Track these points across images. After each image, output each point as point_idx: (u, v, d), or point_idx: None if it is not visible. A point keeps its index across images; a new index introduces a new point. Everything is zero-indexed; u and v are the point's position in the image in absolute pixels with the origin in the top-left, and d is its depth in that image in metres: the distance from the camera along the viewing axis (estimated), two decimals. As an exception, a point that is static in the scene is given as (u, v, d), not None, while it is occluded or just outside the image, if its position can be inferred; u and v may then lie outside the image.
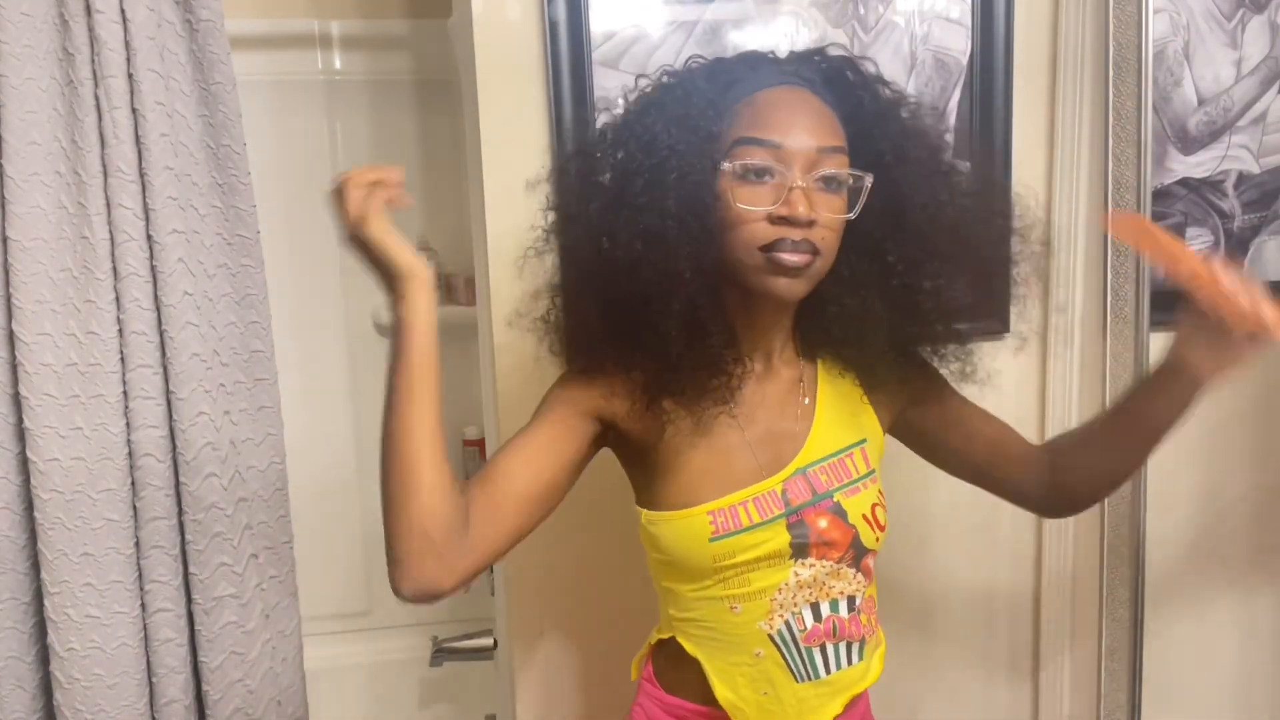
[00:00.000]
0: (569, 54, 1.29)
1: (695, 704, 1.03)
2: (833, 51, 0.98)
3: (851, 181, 0.92)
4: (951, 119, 1.40)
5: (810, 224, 0.88)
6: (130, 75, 1.28)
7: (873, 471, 1.02)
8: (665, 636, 1.05)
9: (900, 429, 1.11)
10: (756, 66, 0.95)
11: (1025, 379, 1.49)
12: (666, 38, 1.32)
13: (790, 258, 0.88)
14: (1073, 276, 1.46)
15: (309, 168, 2.15)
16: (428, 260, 0.89)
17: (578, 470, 0.98)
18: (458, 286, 2.18)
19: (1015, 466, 1.09)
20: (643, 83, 0.98)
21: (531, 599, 1.42)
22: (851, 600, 1.00)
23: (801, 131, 0.89)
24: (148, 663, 1.38)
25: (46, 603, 1.34)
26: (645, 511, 1.00)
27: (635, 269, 0.89)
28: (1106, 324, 1.47)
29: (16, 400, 1.32)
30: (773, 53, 0.98)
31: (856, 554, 0.99)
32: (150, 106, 1.29)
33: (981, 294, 1.04)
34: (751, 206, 0.89)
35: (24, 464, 1.34)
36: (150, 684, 1.39)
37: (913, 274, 0.96)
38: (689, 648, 1.01)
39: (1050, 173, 1.45)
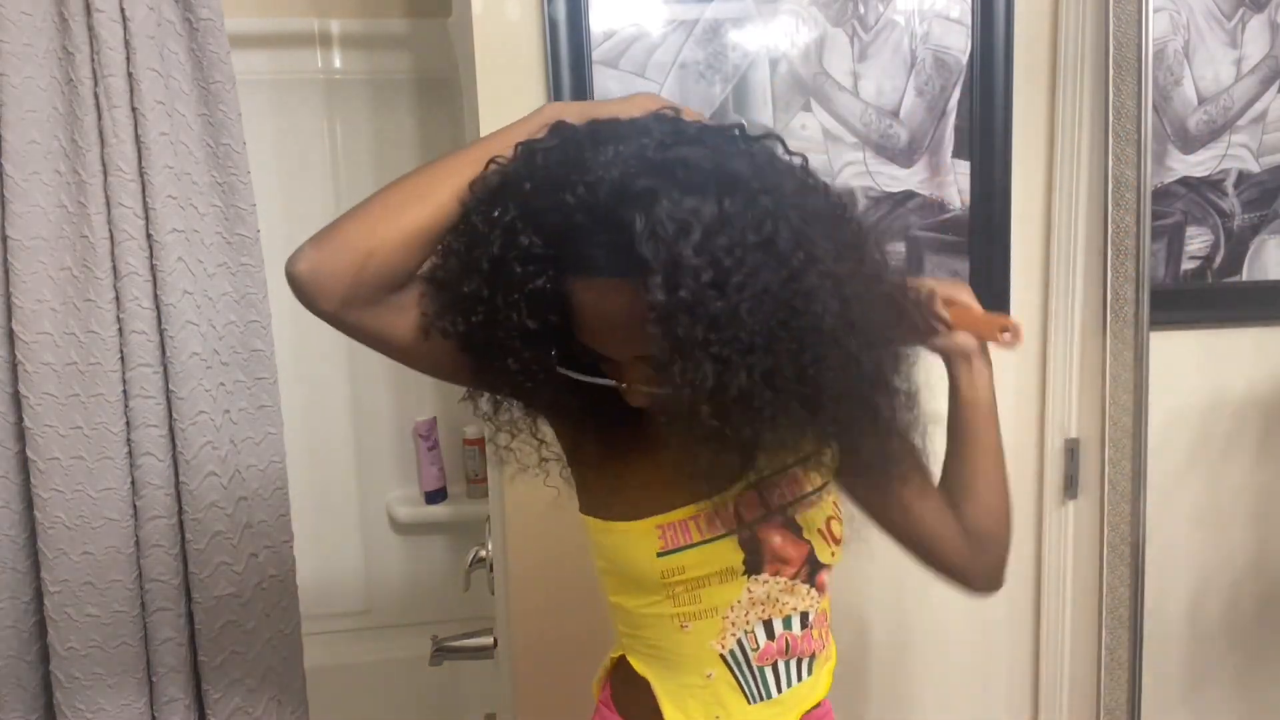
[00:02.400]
0: (569, 53, 1.29)
1: None
2: (638, 184, 0.74)
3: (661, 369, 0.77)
4: (951, 118, 1.40)
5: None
6: (130, 74, 1.28)
7: (825, 485, 0.96)
8: (616, 655, 1.01)
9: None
10: (568, 226, 0.76)
11: (1025, 379, 1.49)
12: (666, 36, 1.32)
13: (658, 414, 0.80)
14: (1072, 276, 1.46)
15: (309, 167, 2.15)
16: None
17: (474, 380, 0.92)
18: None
19: (943, 536, 1.00)
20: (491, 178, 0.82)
21: (531, 598, 1.42)
22: (805, 616, 0.96)
23: (612, 345, 0.80)
24: (148, 662, 1.38)
25: (47, 602, 1.34)
26: (590, 519, 0.95)
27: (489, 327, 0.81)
28: (1106, 324, 1.47)
29: (16, 399, 1.32)
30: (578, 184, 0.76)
31: (811, 569, 0.95)
32: (150, 105, 1.29)
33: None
34: (592, 380, 0.83)
35: (24, 463, 1.34)
36: (150, 683, 1.39)
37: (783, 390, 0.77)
38: (638, 667, 0.97)
39: (1050, 172, 1.45)
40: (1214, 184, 1.46)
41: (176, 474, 1.37)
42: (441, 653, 1.76)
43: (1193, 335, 1.50)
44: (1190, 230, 1.47)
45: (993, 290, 1.41)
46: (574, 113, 0.83)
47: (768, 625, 0.94)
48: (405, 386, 2.28)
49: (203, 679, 1.42)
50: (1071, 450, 1.51)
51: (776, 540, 0.93)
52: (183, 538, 1.38)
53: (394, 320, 0.83)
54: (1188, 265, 1.48)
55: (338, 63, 2.14)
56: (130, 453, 1.34)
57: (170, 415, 1.35)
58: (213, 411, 1.37)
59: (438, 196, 0.80)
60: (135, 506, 1.35)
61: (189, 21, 1.33)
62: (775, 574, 0.93)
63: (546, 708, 1.45)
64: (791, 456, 0.88)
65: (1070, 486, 1.51)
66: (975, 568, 1.02)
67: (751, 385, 0.75)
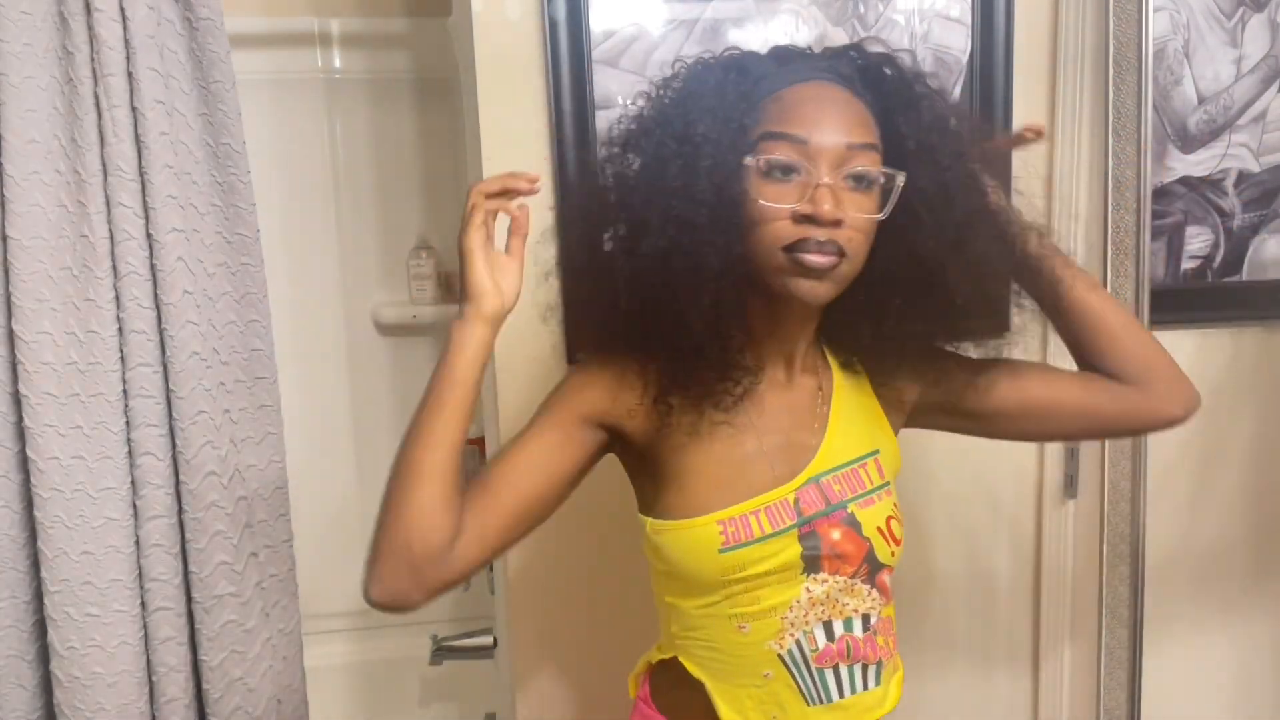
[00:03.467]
0: (569, 52, 1.29)
1: None
2: (870, 47, 0.93)
3: (883, 180, 0.87)
4: (951, 117, 1.40)
5: (837, 223, 0.84)
6: (130, 73, 1.28)
7: (887, 484, 0.98)
8: (666, 657, 1.00)
9: (929, 416, 1.06)
10: (787, 61, 0.91)
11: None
12: (666, 36, 1.32)
13: (814, 258, 0.84)
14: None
15: (309, 166, 2.15)
16: (489, 295, 0.90)
17: (576, 481, 0.95)
18: (457, 286, 2.18)
19: (1075, 394, 1.03)
20: (676, 68, 0.94)
21: (531, 598, 1.42)
22: (866, 619, 0.95)
23: (829, 127, 0.85)
24: (148, 661, 1.38)
25: (46, 601, 1.34)
26: (650, 520, 0.95)
27: (666, 255, 0.86)
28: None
29: (16, 398, 1.32)
30: (809, 48, 0.94)
31: (871, 569, 0.95)
32: (150, 105, 1.29)
33: (1003, 296, 1.02)
34: (775, 204, 0.85)
35: (24, 462, 1.34)
36: (150, 682, 1.39)
37: (943, 276, 0.90)
38: (692, 669, 0.96)
39: (1050, 171, 1.45)
40: (1214, 183, 1.46)
41: (176, 473, 1.37)
42: (441, 652, 1.76)
43: (1193, 334, 1.50)
44: (1190, 230, 1.47)
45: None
46: (464, 294, 0.92)
47: (827, 626, 0.93)
48: (405, 386, 2.28)
49: (202, 678, 1.42)
50: (1072, 450, 1.51)
51: (835, 536, 0.93)
52: (183, 537, 1.38)
53: (475, 554, 0.88)
54: (1188, 265, 1.48)
55: (338, 62, 2.15)
56: (130, 452, 1.34)
57: (170, 414, 1.35)
58: (212, 411, 1.37)
59: (429, 467, 0.86)
60: (135, 506, 1.35)
61: (189, 21, 1.33)
62: (834, 572, 0.93)
63: (546, 708, 1.45)
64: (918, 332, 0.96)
65: (1070, 486, 1.51)
66: (1157, 401, 1.01)
67: (929, 234, 0.89)
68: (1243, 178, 1.47)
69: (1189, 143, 1.45)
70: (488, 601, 1.71)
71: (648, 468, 0.96)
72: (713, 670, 0.96)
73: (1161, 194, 1.45)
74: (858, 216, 0.86)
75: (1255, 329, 1.52)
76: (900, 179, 0.87)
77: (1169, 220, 1.46)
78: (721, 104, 0.87)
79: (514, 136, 1.31)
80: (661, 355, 0.92)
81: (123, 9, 1.27)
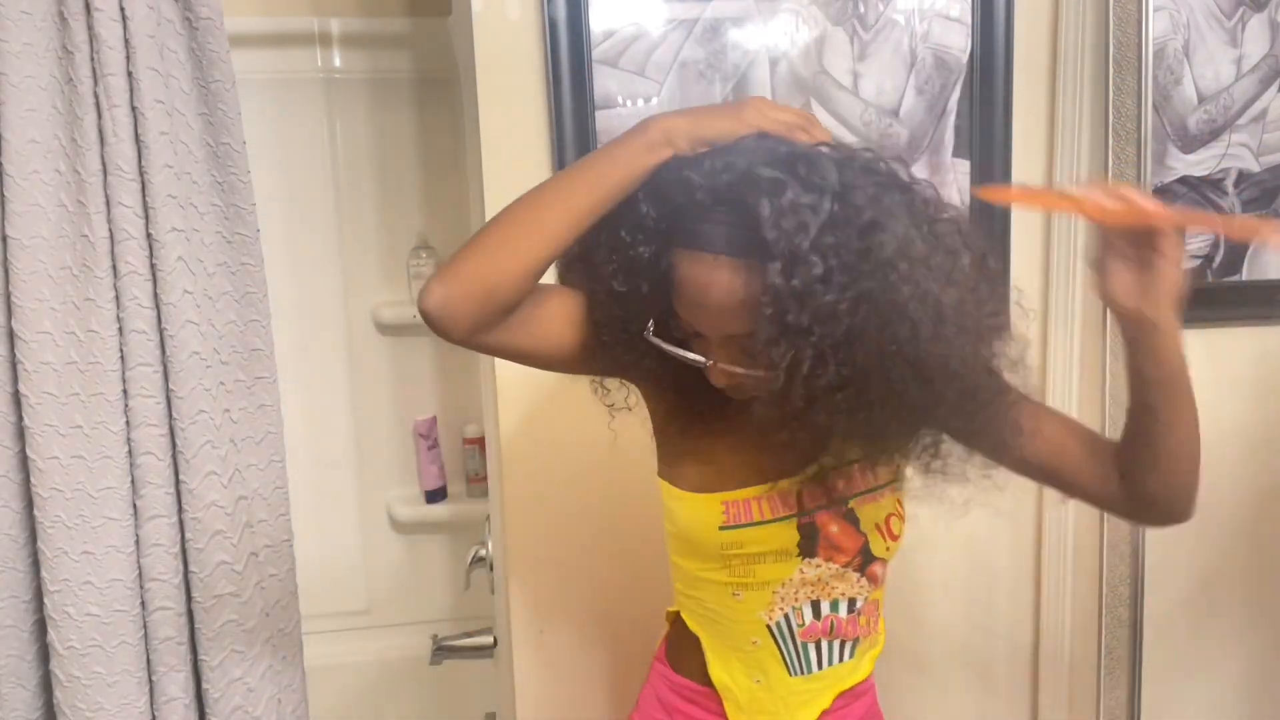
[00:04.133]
0: (569, 52, 1.29)
1: (695, 683, 1.04)
2: (763, 172, 0.80)
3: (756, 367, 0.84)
4: (951, 117, 1.40)
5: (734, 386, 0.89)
6: (130, 73, 1.28)
7: (893, 480, 1.01)
8: (673, 610, 1.07)
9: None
10: (689, 203, 0.84)
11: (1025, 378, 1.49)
12: (666, 36, 1.32)
13: (731, 393, 0.90)
14: (1072, 276, 1.46)
15: (308, 166, 2.15)
16: None
17: (595, 364, 0.96)
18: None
19: (1080, 470, 0.96)
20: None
21: (531, 597, 1.42)
22: (852, 602, 1.00)
23: (708, 321, 0.85)
24: (148, 661, 1.38)
25: (46, 600, 1.34)
26: (664, 483, 1.01)
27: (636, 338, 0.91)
28: (1106, 324, 1.46)
29: (16, 398, 1.32)
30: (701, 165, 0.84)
31: (864, 560, 0.99)
32: (150, 104, 1.29)
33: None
34: (685, 355, 0.88)
35: (24, 462, 1.34)
36: (150, 682, 1.39)
37: (877, 383, 0.82)
38: (691, 624, 1.03)
39: (1050, 171, 1.45)
40: (1214, 183, 1.46)
41: (176, 473, 1.37)
42: (441, 652, 1.76)
43: (1192, 334, 1.48)
44: (1190, 229, 1.47)
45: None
46: (682, 129, 0.85)
47: (815, 605, 0.99)
48: (405, 385, 2.28)
49: (203, 678, 1.42)
50: (1071, 449, 1.50)
51: (834, 529, 0.97)
52: (183, 536, 1.38)
53: (515, 335, 0.89)
54: (1187, 264, 1.48)
55: (338, 62, 2.14)
56: (130, 451, 1.34)
57: (170, 414, 1.35)
58: (212, 410, 1.37)
59: (551, 227, 0.85)
60: (135, 505, 1.35)
61: (189, 20, 1.33)
62: (828, 559, 0.98)
63: (546, 707, 1.45)
64: (863, 450, 0.93)
65: (1070, 486, 1.51)
66: (1150, 520, 0.97)
67: (840, 378, 0.81)
68: (1243, 177, 1.47)
69: (1189, 142, 1.45)
70: (488, 601, 1.71)
71: (670, 434, 1.01)
72: (708, 629, 1.02)
73: (1161, 194, 1.45)
74: (757, 375, 0.84)
75: (1255, 329, 1.52)
76: (784, 361, 0.80)
77: (1169, 220, 1.46)
78: (639, 243, 0.87)
79: (514, 136, 1.31)
80: (668, 387, 0.97)
81: (122, 8, 1.27)
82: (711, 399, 0.95)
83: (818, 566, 0.97)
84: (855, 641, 1.02)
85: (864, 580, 1.00)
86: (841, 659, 1.01)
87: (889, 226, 0.79)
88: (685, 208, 0.84)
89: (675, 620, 1.07)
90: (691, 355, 0.89)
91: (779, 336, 0.80)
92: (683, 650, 1.06)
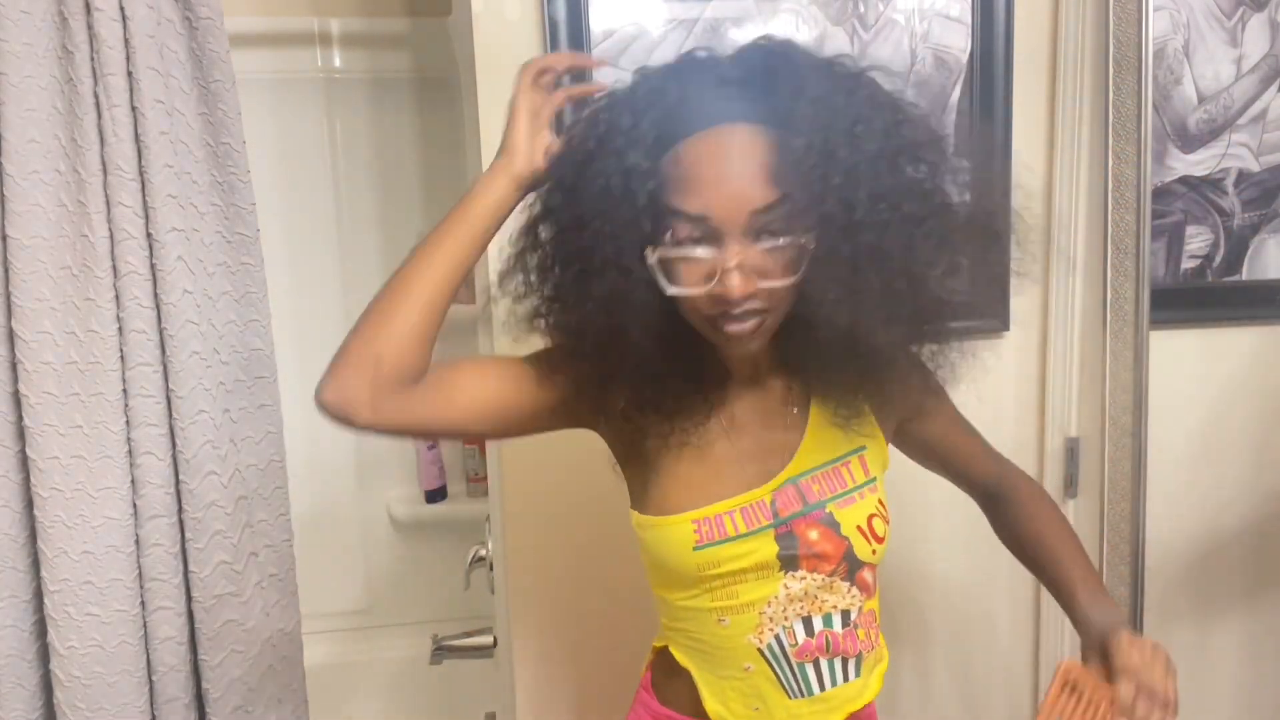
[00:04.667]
0: (569, 52, 1.29)
1: (687, 716, 1.00)
2: (761, 44, 0.87)
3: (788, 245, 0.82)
4: (952, 117, 1.40)
5: (749, 297, 0.82)
6: (130, 73, 1.28)
7: (872, 480, 0.97)
8: (660, 645, 1.03)
9: (901, 440, 1.06)
10: (684, 95, 0.85)
11: (1025, 378, 1.49)
12: (666, 35, 1.32)
13: (734, 328, 0.84)
14: (1072, 275, 1.46)
15: (308, 166, 2.15)
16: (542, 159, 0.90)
17: (527, 421, 0.94)
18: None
19: (968, 484, 1.13)
20: (585, 113, 0.90)
21: (531, 597, 1.42)
22: (846, 614, 0.95)
23: (730, 197, 0.80)
24: (148, 660, 1.38)
25: (46, 601, 1.34)
26: (634, 514, 0.97)
27: (602, 320, 0.86)
28: (1106, 324, 1.46)
29: (16, 398, 1.32)
30: (708, 51, 0.89)
31: (850, 567, 0.95)
32: (150, 104, 1.29)
33: (977, 290, 0.96)
34: (685, 290, 0.83)
35: (24, 462, 1.34)
36: (150, 682, 1.39)
37: (895, 278, 0.84)
38: (680, 658, 0.99)
39: (1050, 171, 1.45)
40: (1214, 183, 1.46)
41: (176, 472, 1.37)
42: (441, 652, 1.76)
43: (1193, 334, 1.50)
44: (1190, 229, 1.47)
45: (992, 290, 1.41)
46: (503, 149, 0.90)
47: (807, 622, 0.94)
48: (405, 385, 2.27)
49: (202, 678, 1.42)
50: (1071, 450, 1.51)
51: (813, 535, 0.93)
52: (183, 536, 1.38)
53: (427, 407, 0.88)
54: (1188, 264, 1.48)
55: (338, 62, 2.15)
56: (130, 451, 1.34)
57: (170, 414, 1.35)
58: (212, 410, 1.37)
59: (420, 286, 0.86)
60: (135, 505, 1.35)
61: (189, 20, 1.33)
62: (813, 570, 0.93)
63: (546, 707, 1.45)
64: (858, 376, 0.92)
65: (1070, 486, 1.51)
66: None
67: (853, 270, 0.82)
68: (1243, 177, 1.47)
69: (1189, 142, 1.45)
70: (488, 601, 1.71)
71: (630, 463, 0.99)
72: (697, 661, 0.98)
73: (1161, 193, 1.45)
74: (771, 286, 0.83)
75: (1255, 329, 1.52)
76: (810, 243, 0.81)
77: (1169, 220, 1.46)
78: (615, 178, 0.83)
79: (514, 136, 1.31)
80: (625, 382, 0.91)
81: (122, 8, 1.27)
82: (673, 410, 0.92)
83: (802, 579, 0.93)
84: (858, 658, 0.97)
85: (854, 589, 0.95)
86: (847, 678, 0.97)
87: (913, 119, 0.86)
88: (679, 101, 0.84)
89: (661, 653, 1.03)
90: (699, 250, 0.82)
91: (807, 202, 0.80)
92: (671, 683, 1.01)
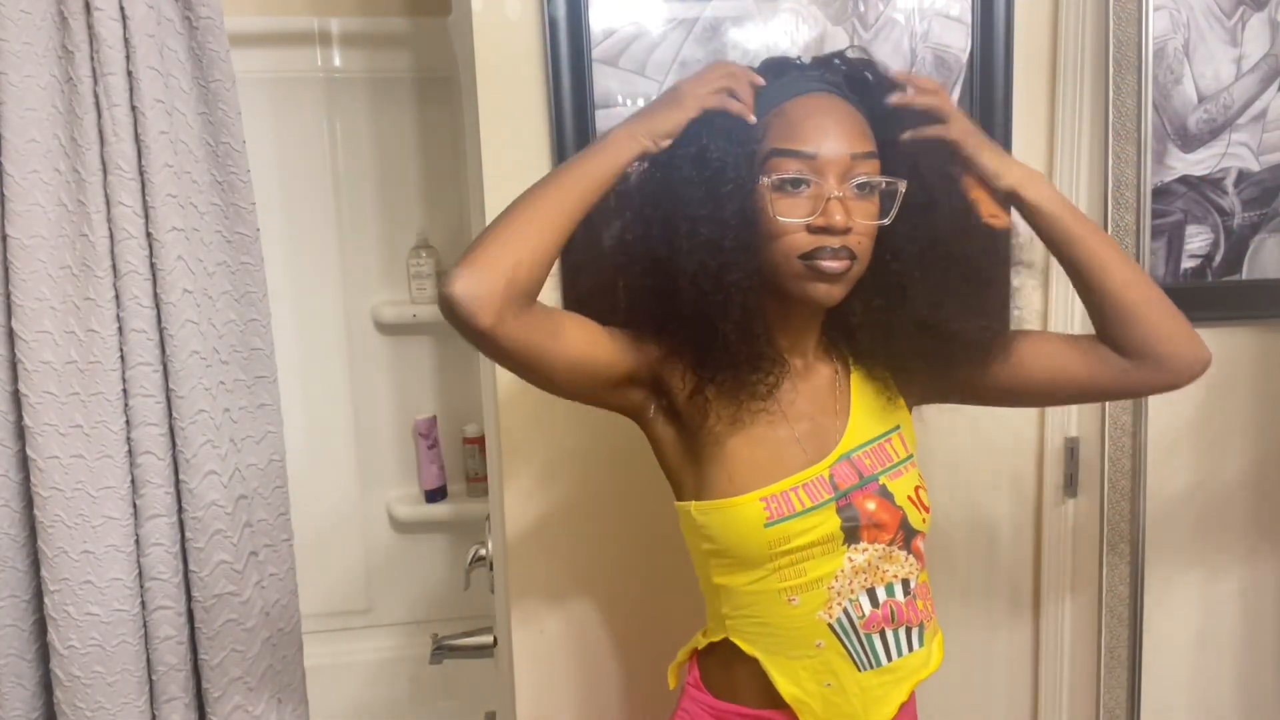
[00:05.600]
0: (568, 51, 1.29)
1: (750, 708, 1.02)
2: (852, 54, 1.00)
3: (884, 186, 0.94)
4: (951, 117, 1.40)
5: (847, 231, 0.91)
6: (130, 73, 1.28)
7: (911, 456, 1.05)
8: (715, 639, 1.04)
9: (940, 394, 1.10)
10: (782, 74, 0.97)
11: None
12: (666, 35, 1.32)
13: (829, 264, 0.91)
14: (1073, 274, 1.46)
15: (308, 165, 2.15)
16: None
17: (602, 386, 0.98)
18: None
19: (1082, 369, 1.04)
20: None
21: (531, 596, 1.42)
22: (906, 584, 1.01)
23: (834, 139, 0.91)
24: (148, 660, 1.38)
25: (46, 600, 1.34)
26: (695, 503, 1.00)
27: (693, 274, 0.92)
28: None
29: (16, 398, 1.32)
30: (798, 58, 1.01)
31: (906, 535, 1.01)
32: (149, 104, 1.29)
33: (993, 301, 1.05)
34: (791, 219, 0.91)
35: (24, 461, 1.34)
36: (150, 681, 1.39)
37: (939, 272, 0.97)
38: (745, 646, 1.01)
39: (1050, 170, 1.45)
40: (1214, 182, 1.46)
41: (176, 472, 1.37)
42: (441, 651, 1.76)
43: (1193, 334, 1.50)
44: (1190, 229, 1.47)
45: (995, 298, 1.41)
46: (642, 128, 0.94)
47: (871, 593, 0.99)
48: (405, 385, 2.28)
49: (202, 677, 1.42)
50: (1071, 449, 1.51)
51: (871, 506, 0.99)
52: (182, 536, 1.38)
53: (536, 332, 0.90)
54: (1188, 264, 1.48)
55: (337, 61, 2.14)
56: (130, 451, 1.34)
57: (170, 413, 1.35)
58: (212, 410, 1.37)
59: (557, 209, 0.89)
60: (135, 505, 1.35)
61: (189, 20, 1.33)
62: (873, 541, 0.99)
63: (546, 707, 1.45)
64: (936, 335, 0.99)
65: (1070, 485, 1.51)
66: (1167, 375, 1.04)
67: (935, 223, 0.96)
68: (1243, 177, 1.47)
69: (1189, 142, 1.45)
70: (488, 601, 1.71)
71: (688, 453, 1.01)
72: (765, 645, 1.00)
73: (1161, 193, 1.45)
74: (866, 223, 0.93)
75: (1255, 328, 1.52)
76: (902, 186, 0.93)
77: (1169, 219, 1.46)
78: (730, 125, 0.92)
79: (514, 135, 1.31)
80: (697, 356, 0.97)
81: (122, 8, 1.27)
82: (742, 385, 0.96)
83: (864, 550, 0.98)
84: (920, 628, 1.02)
85: (911, 558, 1.01)
86: (911, 648, 1.02)
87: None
88: (779, 74, 0.96)
89: (713, 648, 1.05)
90: (805, 185, 0.91)
91: (890, 155, 0.94)
92: (730, 675, 1.04)
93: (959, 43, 1.38)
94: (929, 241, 0.96)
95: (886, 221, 0.94)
